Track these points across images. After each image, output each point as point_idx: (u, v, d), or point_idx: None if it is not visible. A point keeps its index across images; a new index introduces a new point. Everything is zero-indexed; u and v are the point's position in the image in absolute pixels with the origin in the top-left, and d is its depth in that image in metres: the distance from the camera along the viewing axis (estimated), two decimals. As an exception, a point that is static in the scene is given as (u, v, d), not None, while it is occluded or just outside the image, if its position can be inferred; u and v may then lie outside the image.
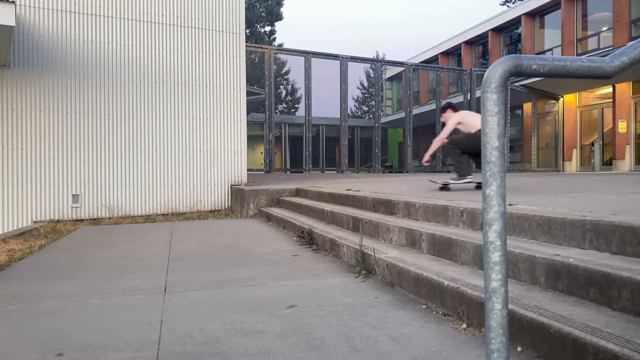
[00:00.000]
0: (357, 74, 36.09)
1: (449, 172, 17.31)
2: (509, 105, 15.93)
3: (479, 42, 22.62)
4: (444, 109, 5.75)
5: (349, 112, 19.25)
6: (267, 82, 13.53)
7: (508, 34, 21.13)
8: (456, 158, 5.56)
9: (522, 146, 19.33)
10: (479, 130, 5.25)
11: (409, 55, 33.97)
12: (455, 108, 5.76)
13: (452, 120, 5.55)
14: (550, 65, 1.22)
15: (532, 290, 2.18)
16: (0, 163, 7.28)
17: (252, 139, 15.14)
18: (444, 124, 5.69)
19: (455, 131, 5.60)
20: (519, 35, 19.90)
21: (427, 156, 5.63)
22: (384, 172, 17.66)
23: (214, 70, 8.72)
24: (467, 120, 5.54)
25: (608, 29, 15.97)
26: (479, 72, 17.58)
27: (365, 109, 39.29)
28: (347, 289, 3.02)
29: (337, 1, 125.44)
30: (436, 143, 5.58)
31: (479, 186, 5.50)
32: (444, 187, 5.44)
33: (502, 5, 34.49)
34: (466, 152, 5.48)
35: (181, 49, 8.48)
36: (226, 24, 8.82)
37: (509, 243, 1.99)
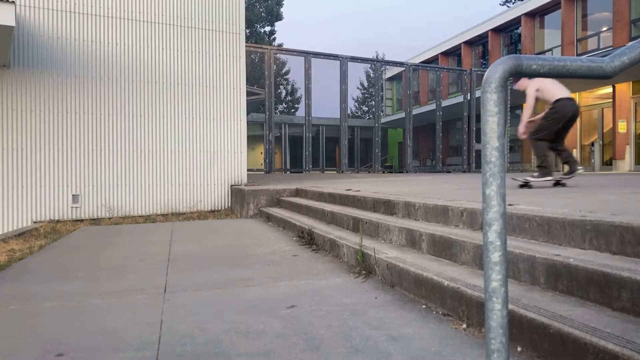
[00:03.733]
0: (357, 74, 36.15)
1: (449, 172, 17.33)
2: (509, 105, 15.93)
3: (479, 42, 22.63)
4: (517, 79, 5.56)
5: (349, 112, 19.26)
6: (267, 82, 13.53)
7: (508, 34, 21.13)
8: (540, 153, 5.33)
9: (522, 146, 19.33)
10: (556, 101, 5.15)
11: (409, 56, 33.96)
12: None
13: (531, 87, 5.29)
14: (550, 65, 1.23)
15: (532, 290, 2.18)
16: (0, 163, 7.28)
17: (252, 139, 15.14)
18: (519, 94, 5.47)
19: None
20: (519, 35, 19.91)
21: (522, 127, 5.37)
22: (384, 172, 17.66)
23: (214, 70, 8.72)
24: (545, 88, 5.29)
25: (608, 29, 15.97)
26: (479, 72, 17.58)
27: (365, 109, 39.31)
28: (347, 289, 3.02)
29: (338, 1, 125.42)
30: (527, 111, 5.32)
31: (557, 183, 5.39)
32: (525, 185, 5.29)
33: (502, 5, 34.51)
34: (550, 139, 5.26)
35: (181, 49, 8.48)
36: (226, 24, 8.82)
37: (509, 243, 1.99)
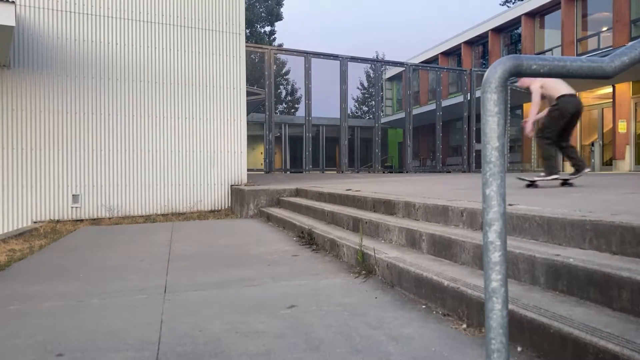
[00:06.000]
0: (357, 74, 36.20)
1: (449, 172, 17.33)
2: (509, 105, 15.93)
3: (479, 42, 22.63)
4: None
5: (349, 112, 19.26)
6: (267, 82, 13.53)
7: (508, 34, 21.13)
8: (545, 152, 5.32)
9: (522, 146, 19.33)
10: (559, 97, 5.13)
11: (409, 56, 33.97)
12: None
13: (535, 83, 5.26)
14: (550, 65, 1.22)
15: (532, 290, 2.18)
16: (0, 163, 7.28)
17: (252, 139, 15.16)
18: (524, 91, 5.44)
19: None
20: (519, 35, 19.91)
21: (529, 125, 5.32)
22: (384, 172, 17.66)
23: (214, 70, 8.72)
24: (548, 84, 5.27)
25: (608, 29, 15.97)
26: (479, 72, 17.58)
27: (365, 109, 39.32)
28: (347, 289, 3.02)
29: (338, 1, 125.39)
30: (534, 108, 5.30)
31: (565, 182, 5.37)
32: (532, 184, 5.28)
33: (502, 5, 34.52)
34: (554, 138, 5.24)
35: (181, 49, 8.48)
36: (226, 24, 8.82)
37: (509, 243, 1.99)
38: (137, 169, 8.14)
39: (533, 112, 5.34)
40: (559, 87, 5.27)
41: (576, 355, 1.63)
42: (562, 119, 5.21)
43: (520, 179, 5.76)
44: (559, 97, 5.22)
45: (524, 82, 5.46)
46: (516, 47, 20.39)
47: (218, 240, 5.33)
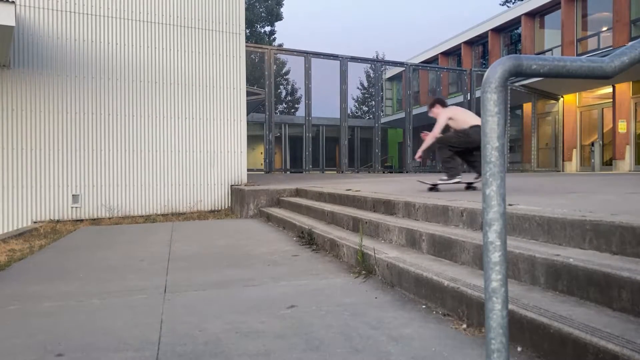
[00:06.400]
0: (357, 74, 36.16)
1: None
2: (509, 106, 15.93)
3: (479, 42, 22.62)
4: (432, 105, 5.65)
5: (349, 112, 19.25)
6: (267, 82, 13.53)
7: (508, 34, 21.13)
8: (445, 158, 5.46)
9: (522, 146, 19.33)
10: (470, 127, 5.21)
11: (409, 56, 33.98)
12: (444, 103, 5.67)
13: (443, 115, 5.45)
14: (550, 65, 1.22)
15: (532, 290, 2.18)
16: (0, 163, 7.28)
17: (252, 139, 15.15)
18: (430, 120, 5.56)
19: (446, 128, 5.52)
20: (519, 35, 19.91)
21: (419, 152, 5.50)
22: (384, 172, 17.66)
23: (214, 71, 8.72)
24: (458, 116, 5.44)
25: (608, 29, 15.97)
26: (479, 72, 17.58)
27: (365, 109, 39.31)
28: (347, 289, 3.02)
29: (338, 1, 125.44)
30: (429, 139, 5.47)
31: (469, 186, 5.47)
32: (433, 188, 5.35)
33: (502, 5, 34.52)
34: (456, 150, 5.40)
35: (181, 49, 8.48)
36: (226, 24, 8.82)
37: (509, 243, 1.99)
38: (137, 169, 8.14)
39: (429, 139, 5.44)
40: (469, 120, 5.35)
41: (576, 355, 1.63)
42: (467, 145, 5.29)
43: (421, 182, 5.80)
44: (471, 127, 5.24)
45: (434, 112, 5.56)
46: (516, 47, 20.39)
47: (218, 241, 5.33)
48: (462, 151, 5.46)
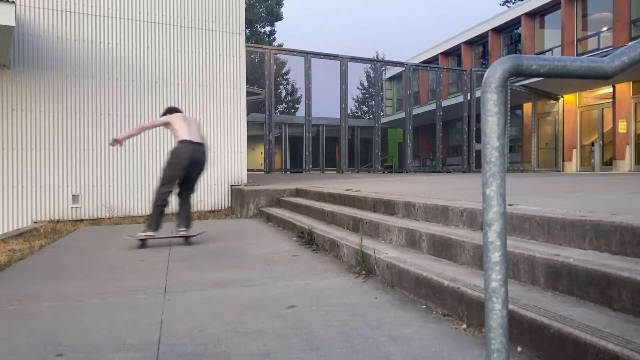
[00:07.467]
0: (357, 74, 36.16)
1: (449, 172, 17.34)
2: (509, 106, 15.93)
3: (479, 42, 22.62)
4: (164, 113, 5.32)
5: (349, 112, 19.25)
6: (267, 82, 13.53)
7: (508, 34, 21.13)
8: (156, 202, 4.91)
9: (522, 146, 19.33)
10: (180, 142, 4.80)
11: (409, 56, 34.00)
12: (172, 111, 5.26)
13: (163, 119, 5.13)
14: (550, 65, 1.22)
15: (532, 290, 2.18)
16: (0, 163, 7.28)
17: (252, 139, 15.14)
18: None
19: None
20: (519, 35, 19.91)
21: (120, 137, 4.97)
22: (384, 172, 17.67)
23: (214, 71, 8.72)
24: (176, 125, 4.97)
25: (608, 29, 15.97)
26: (479, 72, 17.57)
27: (365, 109, 39.31)
28: (347, 289, 3.02)
29: (338, 1, 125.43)
30: (136, 130, 5.13)
31: (186, 240, 5.01)
32: (143, 242, 4.85)
33: (502, 5, 34.53)
34: (172, 185, 4.93)
35: (181, 49, 8.48)
36: (226, 24, 8.82)
37: (509, 243, 1.99)
38: (137, 169, 8.14)
39: (137, 128, 5.16)
40: (182, 132, 4.95)
41: (576, 355, 1.63)
42: (176, 169, 4.88)
43: (129, 236, 5.05)
44: (179, 142, 4.90)
45: (162, 120, 5.18)
46: (516, 47, 20.39)
47: (218, 241, 5.32)
48: (181, 185, 5.03)
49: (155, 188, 5.04)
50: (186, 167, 4.93)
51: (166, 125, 5.13)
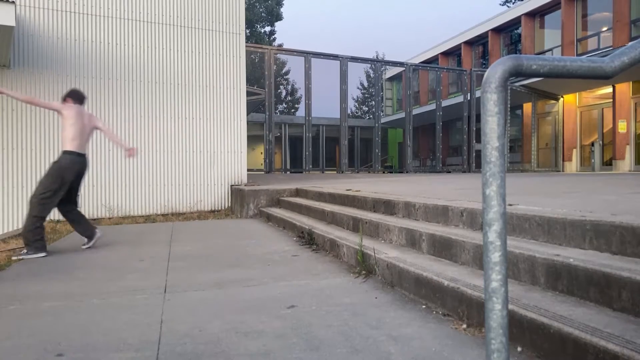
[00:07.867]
0: (357, 74, 36.19)
1: (449, 172, 17.34)
2: (509, 106, 15.93)
3: (479, 42, 22.62)
4: (64, 97, 4.82)
5: (349, 112, 19.25)
6: (267, 82, 13.53)
7: (508, 34, 21.13)
8: (34, 213, 4.46)
9: (522, 146, 19.33)
10: (64, 152, 4.52)
11: (409, 56, 34.00)
12: (80, 98, 4.76)
13: (58, 105, 4.65)
14: (550, 65, 1.23)
15: (532, 290, 2.18)
16: (0, 163, 7.28)
17: (252, 139, 15.15)
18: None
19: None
20: (519, 35, 19.91)
21: (4, 89, 4.59)
22: (384, 172, 17.67)
23: (214, 70, 8.72)
24: (67, 121, 4.54)
25: (608, 29, 15.97)
26: (479, 72, 17.57)
27: (365, 109, 39.31)
28: (347, 289, 3.02)
29: (338, 1, 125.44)
30: (24, 97, 4.71)
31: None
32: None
33: (502, 5, 34.52)
34: (55, 200, 4.62)
35: (181, 49, 8.48)
36: (226, 24, 8.82)
37: (509, 243, 1.99)
38: (137, 169, 8.14)
39: (24, 97, 4.72)
40: (70, 135, 4.62)
41: (576, 355, 1.63)
42: (63, 182, 4.64)
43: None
44: (64, 152, 4.62)
45: (64, 105, 4.75)
46: (516, 47, 20.39)
47: (218, 240, 5.33)
48: (64, 199, 4.71)
49: (33, 202, 4.55)
50: (71, 182, 4.77)
51: (58, 113, 4.73)
